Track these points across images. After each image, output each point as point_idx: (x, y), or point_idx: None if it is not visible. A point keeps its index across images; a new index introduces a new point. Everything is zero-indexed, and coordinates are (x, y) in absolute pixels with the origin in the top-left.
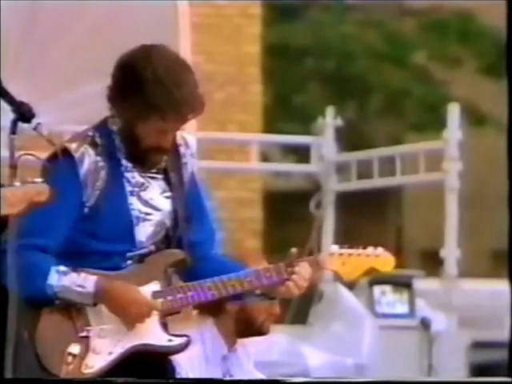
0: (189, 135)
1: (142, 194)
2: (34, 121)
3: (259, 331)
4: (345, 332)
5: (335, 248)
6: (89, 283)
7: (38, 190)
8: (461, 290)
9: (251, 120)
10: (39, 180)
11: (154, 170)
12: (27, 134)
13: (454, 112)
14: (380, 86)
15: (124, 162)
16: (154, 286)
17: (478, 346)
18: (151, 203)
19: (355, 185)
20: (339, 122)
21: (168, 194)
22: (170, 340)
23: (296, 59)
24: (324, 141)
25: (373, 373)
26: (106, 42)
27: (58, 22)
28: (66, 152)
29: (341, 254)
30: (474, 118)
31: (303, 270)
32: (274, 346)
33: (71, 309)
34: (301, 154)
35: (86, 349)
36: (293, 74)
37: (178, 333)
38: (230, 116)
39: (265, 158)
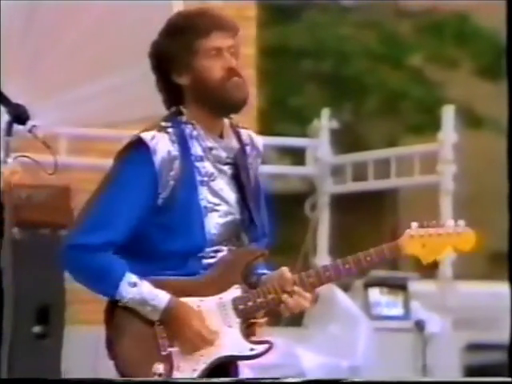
0: (256, 136)
1: (212, 184)
2: (29, 123)
3: None
4: (340, 334)
5: (416, 228)
6: (160, 301)
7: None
8: (456, 291)
9: (247, 122)
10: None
11: (224, 161)
12: (22, 135)
13: (449, 114)
14: (376, 88)
15: (194, 151)
16: (235, 292)
17: (472, 347)
18: (220, 194)
19: (350, 187)
20: (335, 124)
21: (236, 188)
22: (252, 349)
23: (292, 61)
24: (319, 143)
25: (368, 375)
26: (102, 44)
27: (55, 23)
28: (140, 141)
29: (421, 236)
30: (470, 119)
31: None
32: None
33: (154, 326)
34: (296, 156)
35: (170, 368)
36: (289, 75)
37: (258, 339)
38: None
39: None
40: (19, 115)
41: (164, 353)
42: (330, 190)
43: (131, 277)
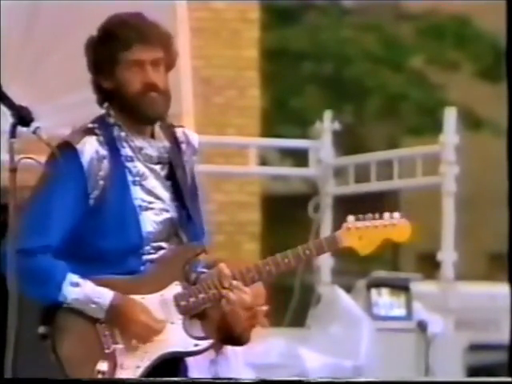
0: (191, 132)
1: (144, 183)
2: (34, 124)
3: (238, 341)
4: (342, 334)
5: (352, 220)
6: (104, 299)
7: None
8: (458, 292)
9: (249, 124)
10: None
11: (155, 161)
12: (26, 137)
13: (450, 116)
14: (377, 90)
15: (124, 151)
16: (176, 288)
17: (474, 348)
18: (154, 192)
19: (353, 188)
20: (337, 125)
21: (170, 187)
22: (197, 345)
23: (294, 63)
24: (322, 144)
25: (370, 375)
26: None
27: (58, 25)
28: (67, 145)
29: (358, 228)
30: (471, 121)
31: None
32: (272, 348)
33: (96, 324)
34: (299, 157)
35: (114, 365)
36: (291, 77)
37: (200, 335)
38: (229, 120)
39: (263, 161)
40: (23, 117)
41: (108, 351)
42: (333, 192)
43: (73, 277)
